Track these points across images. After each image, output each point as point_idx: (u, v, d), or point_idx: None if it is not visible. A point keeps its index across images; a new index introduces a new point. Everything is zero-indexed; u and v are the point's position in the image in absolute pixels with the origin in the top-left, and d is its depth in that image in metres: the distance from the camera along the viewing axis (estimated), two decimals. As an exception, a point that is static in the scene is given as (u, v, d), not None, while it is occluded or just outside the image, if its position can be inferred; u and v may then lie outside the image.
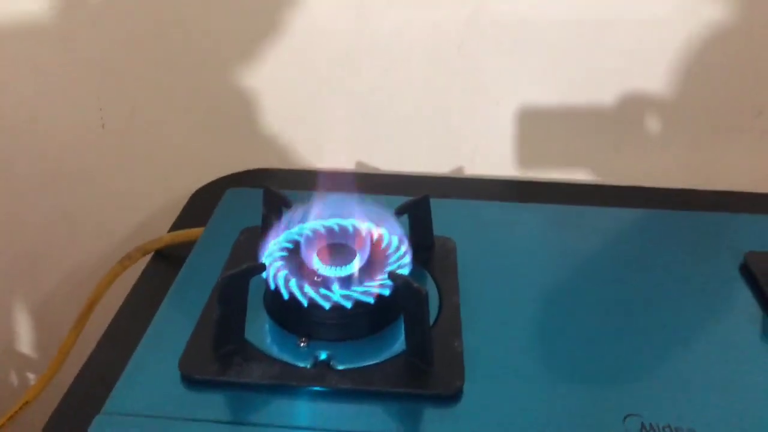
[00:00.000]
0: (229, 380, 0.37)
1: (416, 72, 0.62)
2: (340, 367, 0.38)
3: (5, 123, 0.67)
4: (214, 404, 0.36)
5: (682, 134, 0.63)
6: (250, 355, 0.38)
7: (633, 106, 0.62)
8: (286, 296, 0.39)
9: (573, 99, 0.62)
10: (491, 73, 0.62)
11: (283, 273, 0.40)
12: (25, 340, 0.79)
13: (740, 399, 0.37)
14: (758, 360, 0.40)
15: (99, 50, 0.63)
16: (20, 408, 0.57)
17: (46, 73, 0.64)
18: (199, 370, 0.37)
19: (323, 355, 0.38)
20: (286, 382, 0.37)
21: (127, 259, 0.58)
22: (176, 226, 0.60)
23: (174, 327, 0.41)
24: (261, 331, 0.40)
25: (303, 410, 0.36)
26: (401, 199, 0.46)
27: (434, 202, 0.47)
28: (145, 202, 0.71)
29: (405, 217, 0.46)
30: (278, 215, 0.46)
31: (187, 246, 0.51)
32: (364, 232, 0.44)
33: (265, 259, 0.42)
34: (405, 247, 0.43)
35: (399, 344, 0.39)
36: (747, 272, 0.47)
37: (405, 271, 0.41)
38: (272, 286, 0.40)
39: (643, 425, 0.35)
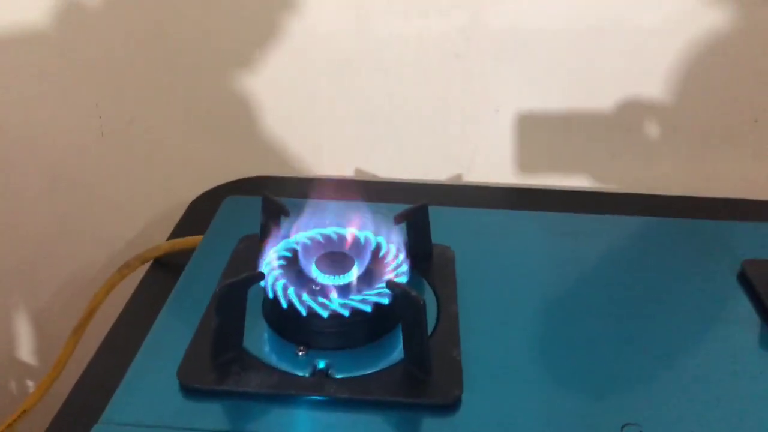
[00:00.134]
0: (227, 389, 0.37)
1: (415, 80, 0.63)
2: (339, 376, 0.38)
3: (5, 131, 0.67)
4: (212, 413, 0.36)
5: (679, 141, 0.64)
6: (249, 364, 0.38)
7: (630, 114, 0.62)
8: (284, 305, 0.39)
9: (571, 106, 0.63)
10: (490, 80, 0.62)
11: (281, 282, 0.40)
12: (23, 349, 0.79)
13: (738, 407, 0.37)
14: (756, 368, 0.40)
15: (98, 59, 0.63)
16: (18, 416, 0.57)
17: (45, 82, 0.64)
18: (198, 380, 0.37)
19: (322, 364, 0.38)
20: (284, 391, 0.37)
21: (126, 268, 0.58)
22: (175, 234, 0.60)
23: (172, 336, 0.41)
24: (259, 340, 0.40)
25: (301, 419, 0.36)
26: (400, 207, 0.46)
27: (433, 210, 0.47)
28: (143, 210, 0.71)
29: (403, 225, 0.46)
30: (277, 223, 0.46)
31: (186, 254, 0.51)
32: (362, 241, 0.44)
33: (263, 267, 0.42)
34: (403, 255, 0.43)
35: (397, 353, 0.39)
36: (744, 280, 0.47)
37: (403, 280, 0.41)
38: (271, 295, 0.40)
39: (641, 434, 0.35)
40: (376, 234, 0.45)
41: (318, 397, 0.37)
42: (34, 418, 0.55)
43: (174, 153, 0.68)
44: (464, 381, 0.37)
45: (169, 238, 0.59)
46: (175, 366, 0.38)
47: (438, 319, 0.42)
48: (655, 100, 0.62)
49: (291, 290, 0.40)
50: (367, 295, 0.40)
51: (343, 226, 0.45)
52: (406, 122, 0.65)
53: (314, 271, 0.41)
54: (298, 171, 0.68)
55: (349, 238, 0.44)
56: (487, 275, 0.48)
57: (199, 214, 0.61)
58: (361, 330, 0.40)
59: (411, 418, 0.36)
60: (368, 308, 0.39)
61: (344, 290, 0.40)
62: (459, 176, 0.67)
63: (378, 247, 0.44)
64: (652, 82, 0.61)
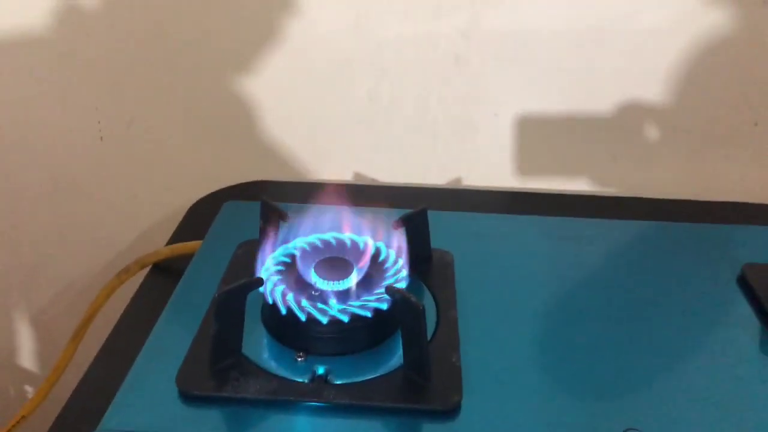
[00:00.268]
0: (226, 395, 0.37)
1: (414, 83, 0.63)
2: (338, 382, 0.38)
3: (4, 135, 0.67)
4: (211, 420, 0.36)
5: (679, 145, 0.64)
6: (248, 370, 0.38)
7: (630, 117, 0.62)
8: (283, 311, 0.39)
9: (571, 109, 0.63)
10: (489, 83, 0.62)
11: (280, 287, 0.40)
12: (22, 353, 0.79)
13: (739, 411, 0.37)
14: (756, 372, 0.40)
15: (97, 63, 0.63)
16: (17, 422, 0.57)
17: (44, 86, 0.64)
18: (196, 386, 0.37)
19: (321, 370, 0.38)
20: (283, 397, 0.37)
21: (125, 273, 0.58)
22: (174, 239, 0.60)
23: (172, 341, 0.41)
24: (258, 346, 0.40)
25: (300, 425, 0.36)
26: (399, 212, 0.46)
27: (432, 215, 0.47)
28: (143, 214, 0.71)
29: (402, 230, 0.46)
30: (276, 228, 0.46)
31: (185, 259, 0.51)
32: (361, 246, 0.44)
33: (262, 273, 0.42)
34: (402, 260, 0.43)
35: (396, 359, 0.39)
36: (744, 284, 0.47)
37: (402, 285, 0.41)
38: (270, 301, 0.40)
39: (641, 439, 0.35)
40: (375, 239, 0.45)
41: (317, 403, 0.37)
42: (32, 424, 0.55)
43: (173, 157, 0.68)
44: (464, 386, 0.37)
45: (168, 243, 0.59)
46: (175, 372, 0.38)
47: (437, 325, 0.42)
48: (655, 103, 0.61)
49: (290, 296, 0.39)
50: (366, 300, 0.39)
51: (342, 231, 0.45)
52: (406, 126, 0.65)
53: (313, 277, 0.41)
54: (298, 174, 0.68)
55: (348, 243, 0.44)
56: (487, 280, 0.48)
57: (199, 218, 0.61)
58: (360, 336, 0.40)
59: (410, 424, 0.36)
60: (368, 314, 0.39)
61: (343, 296, 0.40)
62: (458, 180, 0.67)
63: (377, 252, 0.44)
64: (652, 84, 0.61)
